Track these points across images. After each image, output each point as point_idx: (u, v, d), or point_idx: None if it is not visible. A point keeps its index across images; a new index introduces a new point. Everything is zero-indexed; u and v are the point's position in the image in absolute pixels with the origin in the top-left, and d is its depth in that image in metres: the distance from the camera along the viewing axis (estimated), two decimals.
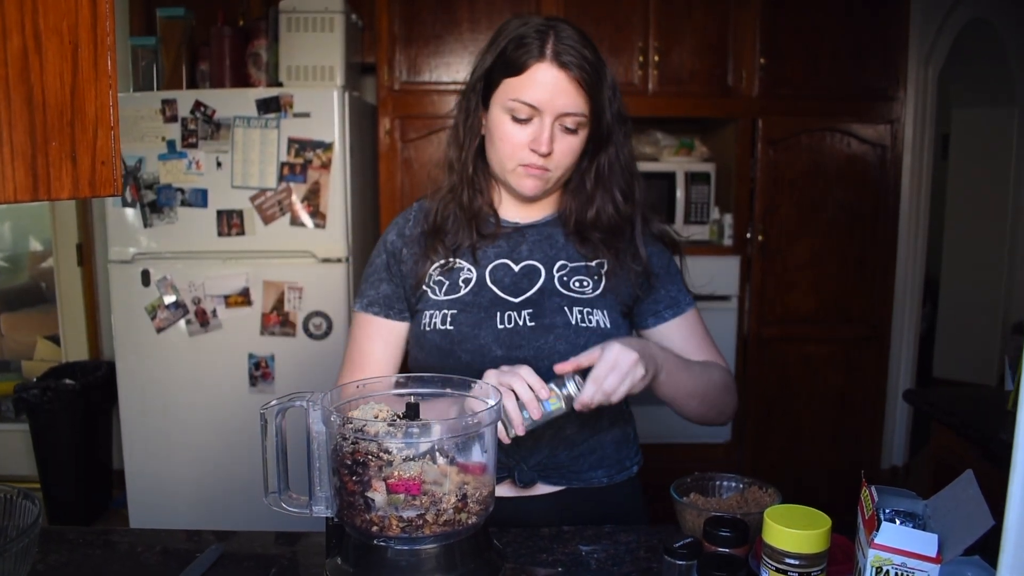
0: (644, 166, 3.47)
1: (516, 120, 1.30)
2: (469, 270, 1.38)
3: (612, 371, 1.18)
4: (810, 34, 3.36)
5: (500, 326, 1.33)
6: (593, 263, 1.39)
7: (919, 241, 3.87)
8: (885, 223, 3.53)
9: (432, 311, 1.36)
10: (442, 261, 1.39)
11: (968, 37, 3.95)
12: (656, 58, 3.30)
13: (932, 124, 3.84)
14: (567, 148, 1.32)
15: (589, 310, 1.34)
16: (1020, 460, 0.60)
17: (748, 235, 3.44)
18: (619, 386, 1.18)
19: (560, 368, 1.19)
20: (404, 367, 1.46)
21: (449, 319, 1.34)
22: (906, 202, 3.72)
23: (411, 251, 1.42)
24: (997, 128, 4.53)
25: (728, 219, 3.44)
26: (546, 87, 1.27)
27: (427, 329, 1.36)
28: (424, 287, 1.39)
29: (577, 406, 1.18)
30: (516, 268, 1.38)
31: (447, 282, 1.38)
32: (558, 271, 1.38)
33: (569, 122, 1.29)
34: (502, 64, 1.31)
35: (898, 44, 3.44)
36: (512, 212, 1.44)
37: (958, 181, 4.88)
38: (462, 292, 1.36)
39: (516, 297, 1.36)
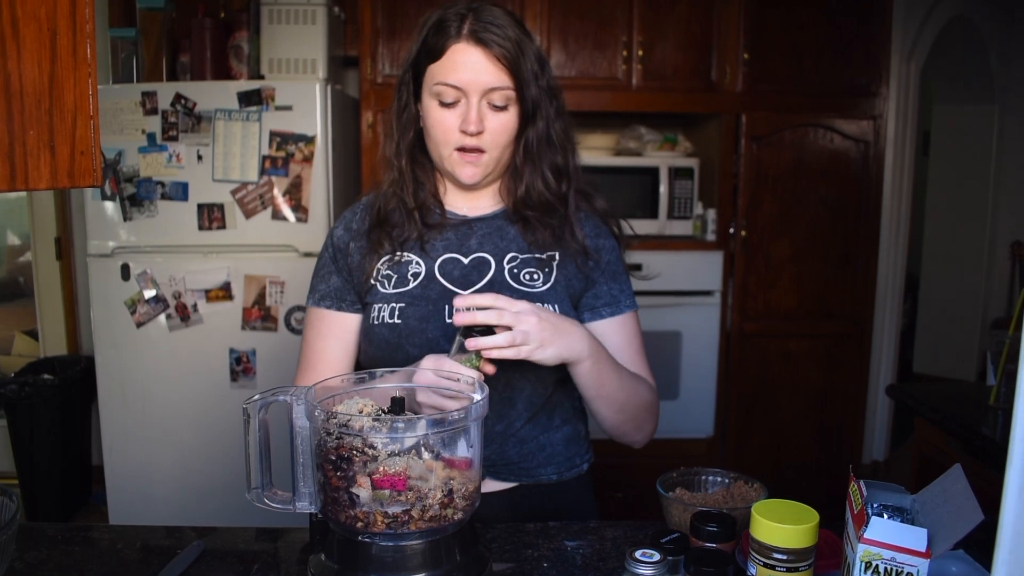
0: (627, 161, 3.47)
1: (444, 104, 1.30)
2: (418, 263, 1.37)
3: (511, 306, 1.15)
4: (794, 30, 3.37)
5: (448, 320, 1.31)
6: (544, 255, 1.38)
7: (900, 237, 3.89)
8: (867, 219, 3.55)
9: (380, 304, 1.34)
10: (388, 256, 1.38)
11: (950, 35, 3.98)
12: (640, 53, 3.30)
13: (914, 120, 3.87)
14: (499, 126, 1.30)
15: (541, 305, 1.30)
16: (1017, 456, 0.59)
17: (731, 230, 3.45)
18: (502, 319, 1.14)
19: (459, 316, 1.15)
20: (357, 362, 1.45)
21: (397, 312, 1.32)
22: (888, 198, 3.74)
23: (358, 244, 1.40)
24: (977, 125, 4.57)
25: (711, 214, 3.45)
26: (467, 66, 1.27)
27: (375, 323, 1.34)
28: (373, 281, 1.37)
29: (455, 303, 1.16)
30: (466, 261, 1.37)
31: (395, 275, 1.36)
32: (508, 263, 1.37)
33: (497, 98, 1.28)
34: (425, 52, 1.32)
35: (881, 40, 3.46)
36: (458, 203, 1.42)
37: (938, 178, 4.93)
38: (411, 285, 1.35)
39: (465, 289, 1.34)
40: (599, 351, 1.28)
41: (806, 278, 3.52)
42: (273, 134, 2.95)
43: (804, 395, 3.58)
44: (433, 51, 1.29)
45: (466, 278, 1.35)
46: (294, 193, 2.98)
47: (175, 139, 2.96)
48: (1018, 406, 0.60)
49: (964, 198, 4.72)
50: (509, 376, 1.32)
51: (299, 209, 2.98)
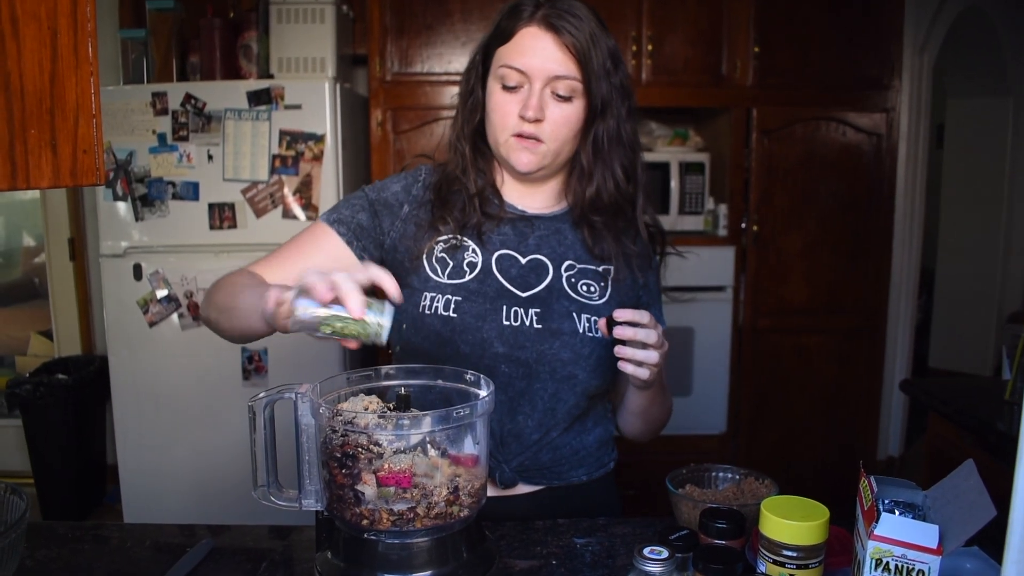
0: None
1: (506, 88, 1.26)
2: (475, 252, 1.32)
3: (653, 328, 1.19)
4: (804, 23, 3.35)
5: (505, 322, 1.28)
6: (600, 268, 1.35)
7: (914, 231, 3.86)
8: (880, 213, 3.52)
9: (434, 294, 1.29)
10: (447, 236, 1.33)
11: (962, 27, 3.95)
12: (649, 47, 3.28)
13: (927, 113, 3.84)
14: (560, 117, 1.26)
15: (596, 319, 1.30)
16: None
17: (743, 225, 3.43)
18: (650, 339, 1.17)
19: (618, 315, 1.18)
20: (387, 355, 1.41)
21: (453, 306, 1.28)
22: (901, 192, 3.71)
23: (414, 213, 1.36)
24: (992, 117, 4.53)
25: (723, 209, 3.43)
26: (534, 51, 1.23)
27: (427, 312, 1.28)
28: (424, 261, 1.32)
29: (616, 316, 1.17)
30: (523, 261, 1.33)
31: (451, 263, 1.31)
32: (566, 271, 1.34)
33: (561, 88, 1.24)
34: (496, 34, 1.28)
35: (893, 33, 3.43)
36: (516, 197, 1.38)
37: (953, 170, 4.89)
38: (467, 277, 1.30)
39: (524, 292, 1.31)
40: (662, 378, 1.34)
41: (819, 273, 3.49)
42: (283, 133, 2.96)
43: (818, 390, 3.56)
44: (504, 33, 1.26)
45: (524, 279, 1.32)
46: (304, 192, 2.98)
47: (185, 139, 2.97)
48: None
49: (979, 191, 4.68)
50: (558, 387, 1.30)
51: (309, 208, 2.98)
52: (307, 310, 0.91)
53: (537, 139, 1.27)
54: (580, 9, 1.25)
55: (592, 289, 1.33)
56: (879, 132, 3.46)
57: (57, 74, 0.75)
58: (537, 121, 1.25)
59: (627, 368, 1.19)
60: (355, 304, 0.91)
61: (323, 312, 0.92)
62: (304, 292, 0.92)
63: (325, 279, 0.93)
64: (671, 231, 3.39)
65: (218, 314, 1.25)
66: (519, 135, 1.27)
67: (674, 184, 3.40)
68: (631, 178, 1.35)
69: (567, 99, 1.25)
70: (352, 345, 0.95)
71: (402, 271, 1.34)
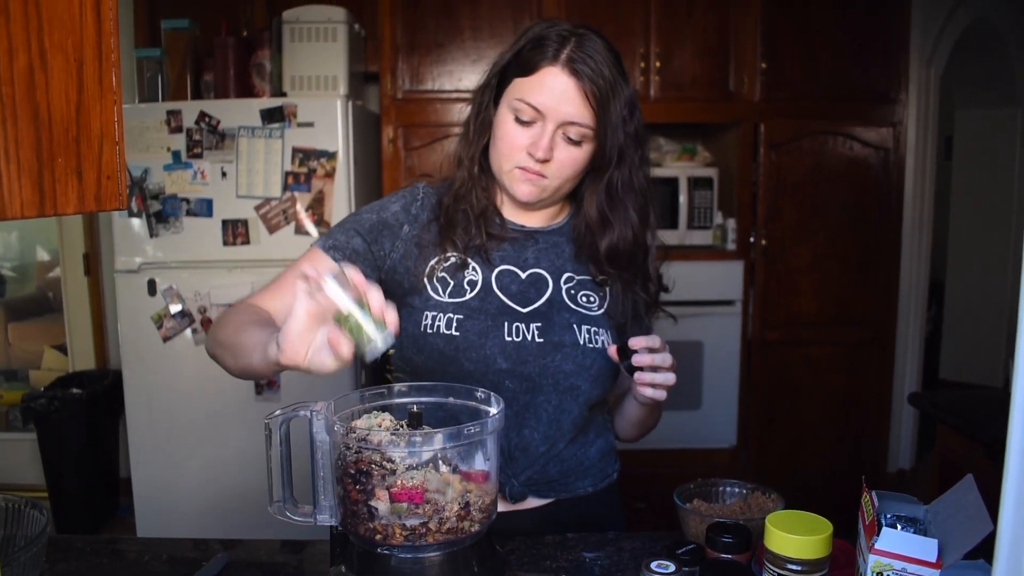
0: None
1: (519, 121, 1.27)
2: (475, 270, 1.33)
3: (664, 351, 1.25)
4: (811, 37, 3.37)
5: (507, 338, 1.29)
6: (598, 279, 1.37)
7: (923, 243, 3.87)
8: (888, 225, 3.53)
9: (436, 313, 1.30)
10: (451, 256, 1.34)
11: (970, 38, 3.95)
12: (657, 64, 3.31)
13: (935, 126, 3.84)
14: (568, 159, 1.28)
15: (596, 329, 1.33)
16: (1014, 463, 0.60)
17: (751, 239, 3.45)
18: (666, 362, 1.24)
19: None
20: (381, 372, 1.43)
21: (455, 324, 1.29)
22: (909, 204, 3.72)
23: (415, 234, 1.36)
24: (1000, 129, 4.53)
25: (731, 223, 3.44)
26: (553, 92, 1.23)
27: (428, 332, 1.29)
28: (426, 281, 1.33)
29: (632, 344, 1.23)
30: (523, 276, 1.35)
31: (452, 282, 1.32)
32: (565, 283, 1.35)
33: (572, 132, 1.25)
34: (516, 62, 1.28)
35: (899, 46, 3.45)
36: (516, 215, 1.40)
37: (962, 183, 4.89)
38: (468, 296, 1.31)
39: (524, 307, 1.32)
40: None
41: (827, 285, 3.50)
42: (295, 150, 2.99)
43: (827, 403, 3.56)
44: (525, 66, 1.26)
45: (524, 294, 1.34)
46: (316, 208, 3.01)
47: (199, 156, 3.01)
48: (1014, 416, 0.61)
49: (988, 202, 4.68)
50: (561, 398, 1.32)
51: (321, 224, 3.01)
52: (334, 289, 0.92)
53: (541, 175, 1.29)
54: (603, 52, 1.25)
55: (591, 300, 1.36)
56: (886, 146, 3.47)
57: (83, 104, 0.77)
58: (545, 161, 1.27)
59: (646, 392, 1.23)
60: (376, 300, 0.93)
61: (343, 298, 0.92)
62: (339, 277, 0.93)
63: (360, 276, 0.95)
64: (679, 245, 3.42)
65: (222, 350, 1.27)
66: (523, 168, 1.28)
67: (683, 199, 3.42)
68: (644, 222, 1.38)
69: (576, 143, 1.27)
70: (345, 349, 0.91)
71: (401, 291, 1.35)
